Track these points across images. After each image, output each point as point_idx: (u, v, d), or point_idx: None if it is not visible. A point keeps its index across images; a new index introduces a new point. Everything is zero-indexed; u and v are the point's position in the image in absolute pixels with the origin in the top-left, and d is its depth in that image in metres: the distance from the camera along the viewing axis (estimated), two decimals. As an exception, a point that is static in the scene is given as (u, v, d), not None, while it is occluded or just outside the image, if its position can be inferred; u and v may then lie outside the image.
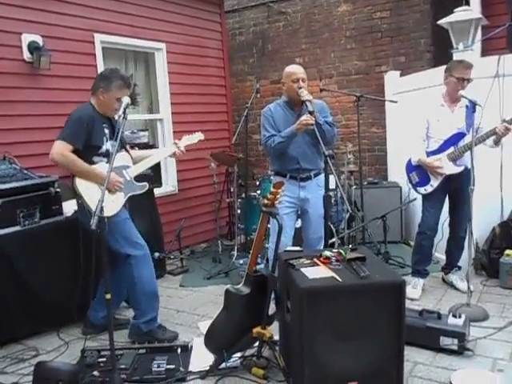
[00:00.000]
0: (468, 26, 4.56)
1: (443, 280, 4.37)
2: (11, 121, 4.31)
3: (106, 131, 3.40)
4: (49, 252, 3.62)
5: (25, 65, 4.37)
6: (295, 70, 3.69)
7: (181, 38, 6.02)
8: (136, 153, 3.73)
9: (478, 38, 4.88)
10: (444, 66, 4.62)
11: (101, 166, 3.30)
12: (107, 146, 3.39)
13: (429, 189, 4.04)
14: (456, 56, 4.59)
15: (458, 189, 3.99)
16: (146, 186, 3.57)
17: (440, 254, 4.55)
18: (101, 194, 2.61)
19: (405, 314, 2.59)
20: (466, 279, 3.96)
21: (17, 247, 3.47)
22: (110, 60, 5.35)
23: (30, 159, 4.22)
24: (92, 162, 3.30)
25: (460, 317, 3.13)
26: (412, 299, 3.94)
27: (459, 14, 4.62)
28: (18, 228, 3.52)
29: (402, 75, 6.02)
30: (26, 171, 3.78)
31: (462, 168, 3.94)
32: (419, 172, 4.08)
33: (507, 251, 4.26)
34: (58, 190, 3.78)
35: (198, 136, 3.91)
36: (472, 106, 3.81)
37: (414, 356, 3.07)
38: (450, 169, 3.94)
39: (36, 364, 2.67)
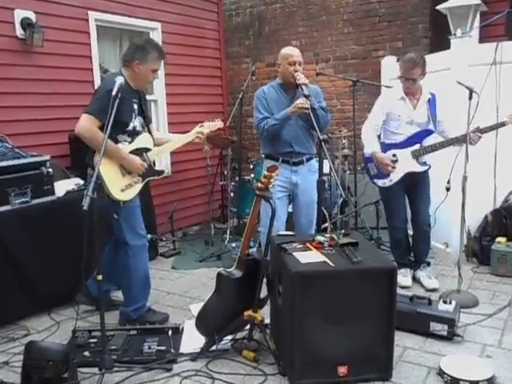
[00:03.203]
0: (467, 12, 4.52)
1: (413, 277, 4.12)
2: (2, 98, 4.25)
3: (135, 107, 3.27)
4: (40, 232, 3.59)
5: (17, 41, 4.31)
6: (292, 52, 3.63)
7: (176, 17, 5.95)
8: (156, 134, 3.56)
9: (477, 25, 4.84)
10: (442, 52, 4.61)
11: (123, 148, 3.19)
12: (135, 122, 3.26)
13: (387, 183, 3.97)
14: (454, 42, 4.56)
15: (415, 184, 3.97)
16: (163, 171, 3.50)
17: (434, 242, 4.54)
18: (96, 174, 2.56)
19: (396, 299, 2.61)
20: (433, 276, 4.02)
21: (7, 226, 3.44)
22: (104, 39, 5.28)
23: (21, 138, 4.18)
24: (116, 141, 3.15)
25: (450, 303, 3.15)
26: (404, 287, 3.93)
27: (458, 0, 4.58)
28: (8, 207, 3.48)
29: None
30: (17, 150, 3.74)
31: (425, 167, 3.93)
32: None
33: (499, 239, 4.28)
34: (50, 169, 3.73)
35: (219, 124, 3.74)
36: (433, 99, 3.85)
37: (404, 341, 3.09)
38: (413, 166, 3.89)
39: (26, 344, 2.66)
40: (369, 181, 4.25)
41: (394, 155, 3.92)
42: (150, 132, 3.45)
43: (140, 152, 3.29)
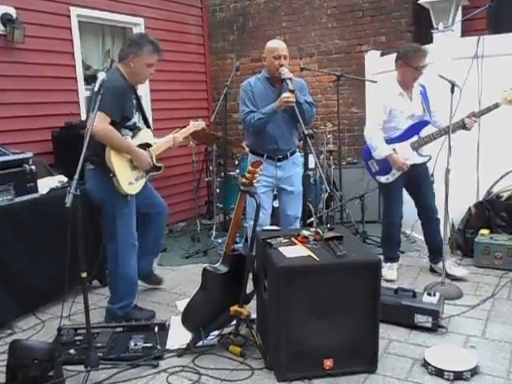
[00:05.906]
0: (448, 6, 4.56)
1: (433, 270, 4.12)
2: (-17, 95, 4.20)
3: (135, 102, 3.31)
4: (24, 229, 3.55)
5: (-3, 37, 4.25)
6: (278, 45, 3.61)
7: (160, 13, 5.91)
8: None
9: (458, 19, 4.88)
10: (425, 46, 4.63)
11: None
12: (135, 118, 3.30)
13: (390, 178, 3.93)
14: (436, 36, 4.60)
15: (416, 177, 3.95)
16: (162, 167, 3.53)
17: (416, 234, 4.58)
18: (79, 170, 2.54)
19: (380, 292, 2.64)
20: (457, 264, 4.01)
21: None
22: (86, 34, 5.23)
23: (3, 135, 4.13)
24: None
25: (434, 295, 3.18)
26: (389, 280, 3.95)
27: (440, -6, 4.61)
28: (-9, 205, 3.44)
29: (382, 55, 6.00)
30: (-1, 147, 3.70)
31: (426, 158, 3.93)
32: (379, 160, 3.94)
33: (482, 231, 4.33)
34: (33, 167, 3.69)
35: (202, 123, 3.86)
36: (424, 90, 3.87)
37: (389, 333, 3.12)
38: (414, 158, 3.89)
39: (11, 342, 2.64)
40: (370, 178, 4.21)
41: (394, 149, 3.91)
42: (148, 126, 3.48)
43: (143, 147, 3.31)
